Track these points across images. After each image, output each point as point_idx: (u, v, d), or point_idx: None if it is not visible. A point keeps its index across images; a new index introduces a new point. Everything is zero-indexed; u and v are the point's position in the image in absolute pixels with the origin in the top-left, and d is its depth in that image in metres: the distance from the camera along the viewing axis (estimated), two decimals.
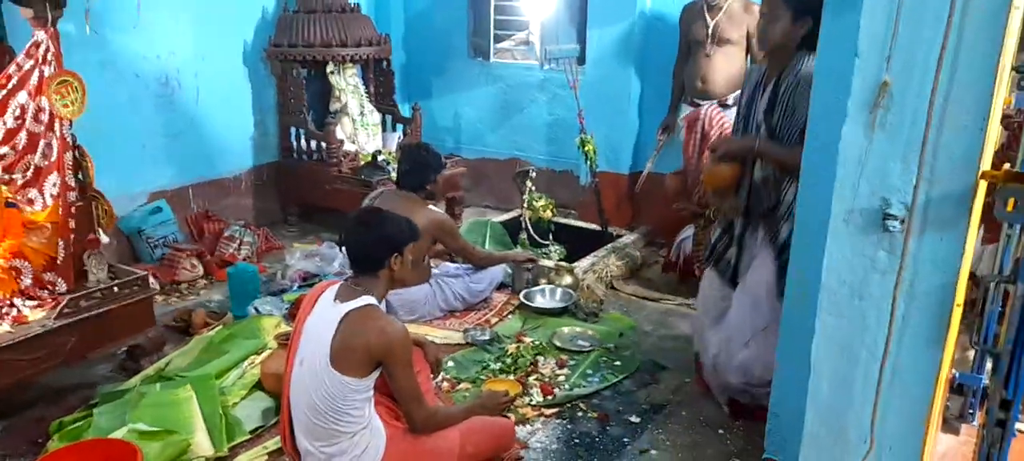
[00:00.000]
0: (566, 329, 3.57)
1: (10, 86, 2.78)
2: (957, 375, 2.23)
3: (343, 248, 2.36)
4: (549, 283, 4.02)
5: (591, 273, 4.16)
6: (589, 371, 3.20)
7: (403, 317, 3.56)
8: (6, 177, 2.81)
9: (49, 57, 2.83)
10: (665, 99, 4.75)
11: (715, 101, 4.30)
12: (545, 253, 4.54)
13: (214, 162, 4.85)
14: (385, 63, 5.40)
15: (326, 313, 2.24)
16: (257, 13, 5.04)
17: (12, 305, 2.79)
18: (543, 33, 5.38)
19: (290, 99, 5.01)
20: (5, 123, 2.80)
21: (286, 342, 2.75)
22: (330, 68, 5.01)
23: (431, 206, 3.60)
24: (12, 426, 2.74)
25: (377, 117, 5.32)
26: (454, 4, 5.71)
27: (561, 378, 3.14)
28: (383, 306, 3.31)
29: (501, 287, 4.03)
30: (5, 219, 2.79)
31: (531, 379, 3.11)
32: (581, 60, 5.17)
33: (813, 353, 1.70)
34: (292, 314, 3.51)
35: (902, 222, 1.55)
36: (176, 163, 4.61)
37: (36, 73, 2.80)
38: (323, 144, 4.88)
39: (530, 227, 4.66)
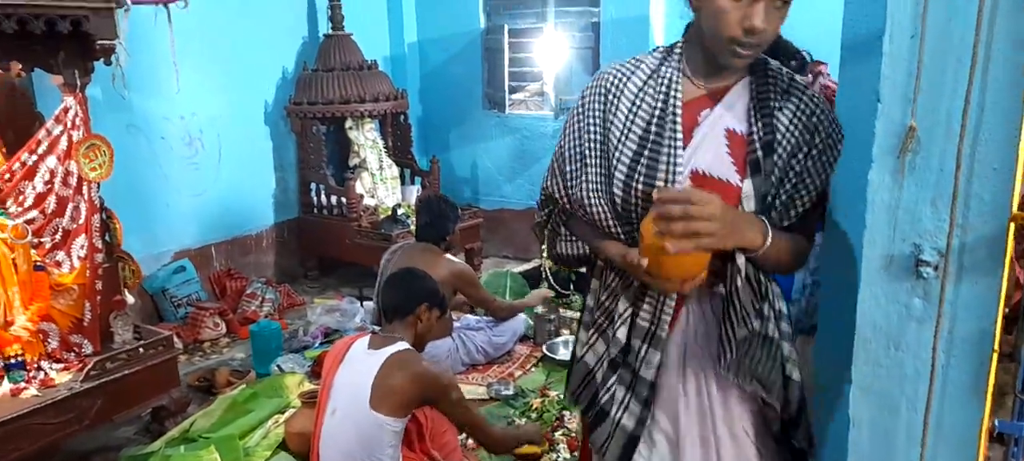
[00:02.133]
0: None
1: (40, 151, 2.84)
2: (997, 423, 2.17)
3: (377, 302, 2.42)
4: (572, 334, 3.98)
5: None
6: None
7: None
8: (35, 240, 2.85)
9: (78, 122, 2.89)
10: None
11: None
12: (566, 303, 4.51)
13: (236, 220, 4.91)
14: (403, 117, 5.48)
15: (362, 361, 2.28)
16: (277, 72, 5.15)
17: (39, 368, 2.80)
18: (556, 83, 5.45)
19: (310, 155, 5.08)
20: (35, 187, 2.85)
21: (310, 401, 2.74)
22: (349, 124, 5.08)
23: (450, 257, 3.61)
24: None
25: (395, 171, 5.37)
26: (469, 58, 5.81)
27: None
28: None
29: (523, 339, 4.01)
30: (34, 283, 2.82)
31: (557, 434, 3.06)
32: None
33: (851, 406, 1.66)
34: (315, 371, 3.50)
35: (936, 268, 1.52)
36: (199, 222, 4.67)
37: (65, 138, 2.86)
38: (343, 199, 4.93)
39: (551, 277, 4.64)
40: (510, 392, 3.41)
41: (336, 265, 5.21)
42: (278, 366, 3.57)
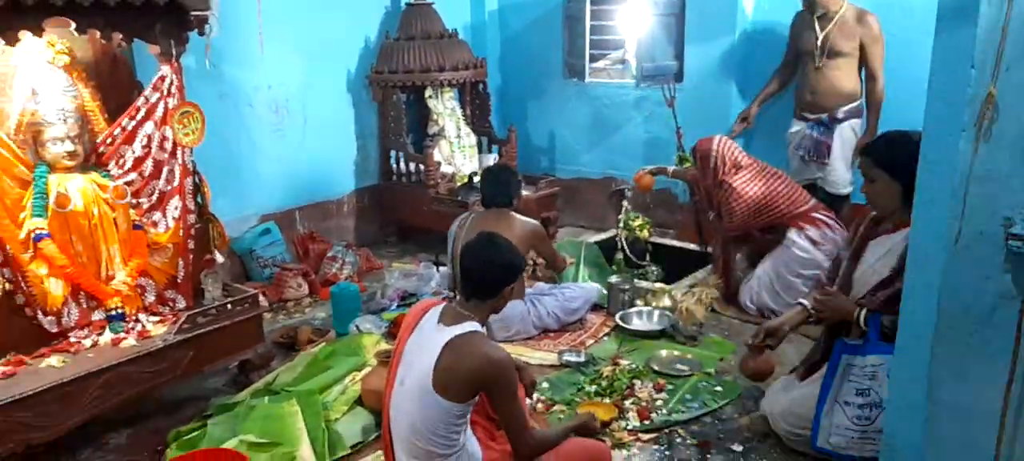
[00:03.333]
0: (664, 352, 3.49)
1: (139, 117, 3.01)
2: None
3: (460, 273, 2.37)
4: (646, 305, 3.95)
5: (690, 295, 4.05)
6: (688, 396, 3.11)
7: (498, 334, 3.60)
8: (133, 201, 3.04)
9: (173, 90, 3.04)
10: (768, 115, 4.60)
11: (825, 114, 4.14)
12: (642, 274, 4.47)
13: (319, 186, 5.08)
14: (481, 86, 5.50)
15: (429, 336, 2.27)
16: (360, 42, 5.26)
17: (137, 320, 3.00)
18: (639, 51, 5.34)
19: (390, 123, 5.18)
20: (134, 151, 3.03)
21: (386, 360, 2.82)
22: (428, 92, 5.14)
23: (521, 216, 3.69)
24: (135, 434, 2.94)
25: (473, 139, 5.41)
26: (549, 26, 5.75)
27: (659, 403, 3.06)
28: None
29: (596, 308, 4.00)
30: (132, 241, 3.02)
31: (627, 403, 3.05)
32: (678, 77, 5.08)
33: (930, 383, 1.59)
34: (391, 332, 3.61)
35: None
36: (285, 187, 4.85)
37: (161, 105, 3.02)
38: (421, 166, 5.01)
39: (626, 247, 4.60)
40: (581, 359, 3.42)
41: (414, 231, 5.32)
42: (356, 326, 3.70)
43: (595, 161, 5.73)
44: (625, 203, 4.61)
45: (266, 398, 2.98)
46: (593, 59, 5.70)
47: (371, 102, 5.28)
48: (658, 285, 4.10)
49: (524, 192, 5.02)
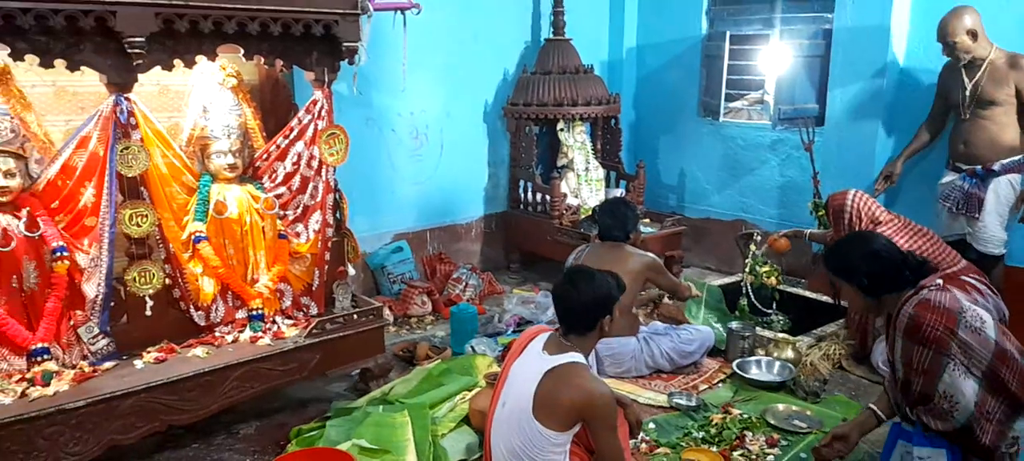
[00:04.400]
0: (781, 406, 3.33)
1: (291, 136, 3.30)
2: None
3: (554, 308, 2.43)
4: (767, 354, 3.79)
5: (816, 349, 3.85)
6: (803, 455, 2.96)
7: (609, 370, 3.59)
8: (281, 213, 3.33)
9: (323, 113, 3.31)
10: (918, 167, 4.32)
11: (979, 166, 3.83)
12: (766, 323, 4.29)
13: (450, 209, 5.30)
14: (614, 121, 5.54)
15: (533, 362, 2.33)
16: (499, 75, 5.47)
17: (274, 322, 3.27)
18: (778, 92, 5.19)
19: (521, 154, 5.33)
20: (285, 167, 3.33)
21: (494, 382, 2.90)
22: (560, 125, 5.25)
23: (637, 249, 3.69)
24: (262, 428, 3.20)
25: (601, 173, 5.45)
26: (687, 64, 5.71)
27: (770, 458, 2.94)
28: (591, 358, 3.39)
29: (713, 353, 3.89)
30: (276, 249, 3.30)
31: (735, 454, 2.95)
32: (818, 121, 4.88)
33: None
34: (503, 356, 3.69)
35: None
36: (418, 208, 5.11)
37: (312, 126, 3.30)
38: (548, 197, 5.11)
39: (751, 293, 4.44)
40: (691, 403, 3.34)
41: (536, 259, 5.42)
42: (472, 347, 3.82)
43: (725, 202, 5.59)
44: (753, 247, 4.46)
45: (381, 407, 3.14)
46: (729, 98, 5.59)
47: (504, 132, 5.46)
48: (782, 335, 3.92)
49: (649, 229, 5.01)
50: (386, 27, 4.23)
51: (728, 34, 5.39)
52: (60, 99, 3.00)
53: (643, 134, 6.09)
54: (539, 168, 5.38)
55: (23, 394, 2.55)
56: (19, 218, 2.67)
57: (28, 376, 2.63)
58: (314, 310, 3.42)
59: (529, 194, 5.33)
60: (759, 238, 4.51)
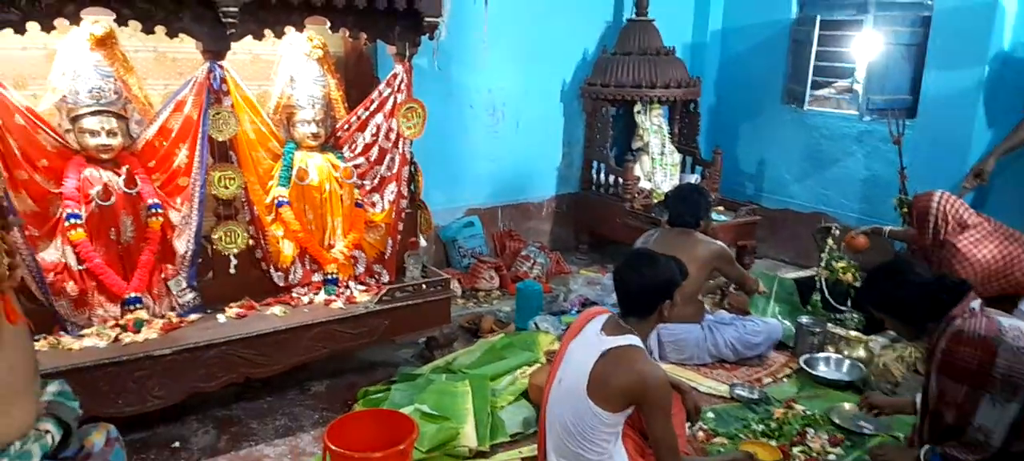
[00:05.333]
0: (848, 406, 3.25)
1: (371, 109, 3.41)
2: None
3: (615, 289, 2.44)
4: (837, 352, 3.70)
5: (890, 350, 3.71)
6: (866, 457, 2.89)
7: (671, 356, 3.59)
8: (358, 182, 3.45)
9: (402, 87, 3.39)
10: (1011, 164, 4.08)
11: None
12: (838, 320, 4.17)
13: (523, 187, 5.35)
14: (693, 105, 5.45)
15: (590, 342, 2.35)
16: (579, 54, 5.45)
17: (347, 287, 3.40)
18: (868, 81, 4.98)
19: (596, 135, 5.31)
20: (364, 138, 3.44)
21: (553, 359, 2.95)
22: (637, 107, 5.20)
23: (706, 237, 3.65)
24: (332, 386, 3.35)
25: (677, 158, 5.38)
26: (773, 48, 5.54)
27: (831, 458, 2.88)
28: (651, 341, 3.39)
29: (780, 347, 3.82)
30: (353, 217, 3.43)
31: (795, 450, 2.90)
32: (910, 113, 4.67)
33: None
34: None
35: None
36: (492, 185, 5.17)
37: (391, 99, 3.39)
38: (620, 180, 5.09)
39: (826, 289, 4.31)
40: (753, 395, 3.30)
41: (606, 241, 5.41)
42: (535, 323, 3.88)
43: (804, 193, 5.42)
44: (830, 242, 4.32)
45: (444, 376, 3.24)
46: (816, 86, 5.39)
47: (581, 113, 5.45)
48: (854, 333, 3.81)
49: (722, 217, 4.93)
50: (467, 3, 4.29)
51: (818, 18, 5.19)
52: (160, 64, 3.18)
53: (723, 119, 5.96)
54: (614, 150, 5.35)
55: (116, 339, 2.76)
56: (119, 175, 2.87)
57: (121, 323, 2.84)
58: (385, 278, 3.54)
59: (602, 176, 5.32)
60: (837, 232, 4.37)
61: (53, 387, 1.02)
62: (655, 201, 4.94)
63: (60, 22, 2.62)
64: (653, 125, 5.27)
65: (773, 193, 5.63)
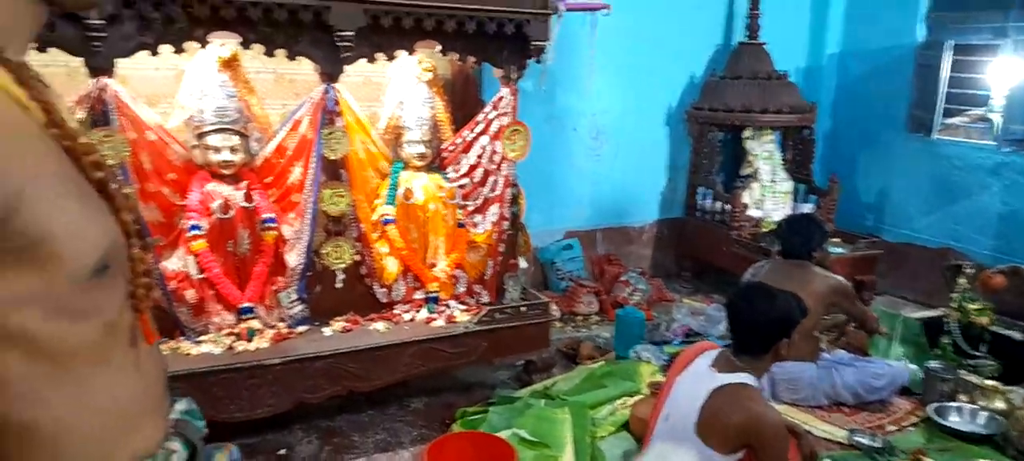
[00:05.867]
0: None
1: (477, 131, 3.43)
2: None
3: (728, 325, 2.33)
4: (971, 402, 3.38)
5: None
6: None
7: (784, 395, 3.39)
8: (462, 203, 3.47)
9: (507, 109, 3.40)
10: None
11: None
12: (972, 367, 3.82)
13: (624, 211, 5.25)
14: (807, 131, 5.20)
15: (699, 378, 2.25)
16: (686, 78, 5.33)
17: (448, 306, 3.42)
18: (1008, 110, 4.60)
19: (703, 160, 5.16)
20: (468, 160, 3.47)
21: (656, 391, 2.84)
22: (747, 133, 5.02)
23: (824, 270, 3.43)
24: (431, 404, 3.36)
25: (788, 185, 5.14)
26: (896, 73, 5.22)
27: None
28: (766, 380, 3.22)
29: (905, 392, 3.53)
30: (455, 236, 3.45)
31: None
32: None
33: None
34: (668, 366, 3.60)
35: None
36: (592, 208, 5.11)
37: (496, 122, 3.40)
38: (727, 206, 4.91)
39: (957, 332, 3.97)
40: (875, 443, 3.05)
41: (710, 270, 5.22)
42: (637, 353, 3.76)
43: (931, 228, 5.05)
44: (963, 280, 3.98)
45: (543, 401, 3.18)
46: (947, 114, 5.03)
47: (686, 137, 5.31)
48: (991, 383, 3.47)
49: (838, 250, 4.66)
50: (574, 27, 4.27)
51: (951, 43, 4.85)
52: (279, 85, 3.32)
53: (840, 147, 5.65)
54: (720, 176, 5.18)
55: (230, 347, 2.87)
56: (239, 190, 3.00)
57: (235, 331, 2.95)
58: (485, 298, 3.53)
59: (708, 202, 5.15)
60: (970, 270, 4.02)
61: (181, 405, 1.03)
62: (764, 230, 4.73)
63: (190, 45, 2.78)
64: (764, 151, 5.06)
65: (895, 225, 5.28)
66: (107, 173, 0.85)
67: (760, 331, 2.24)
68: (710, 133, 5.07)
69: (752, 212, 4.94)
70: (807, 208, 5.07)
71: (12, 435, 0.76)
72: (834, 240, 4.74)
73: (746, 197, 4.94)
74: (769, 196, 5.05)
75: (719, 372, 2.21)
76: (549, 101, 4.70)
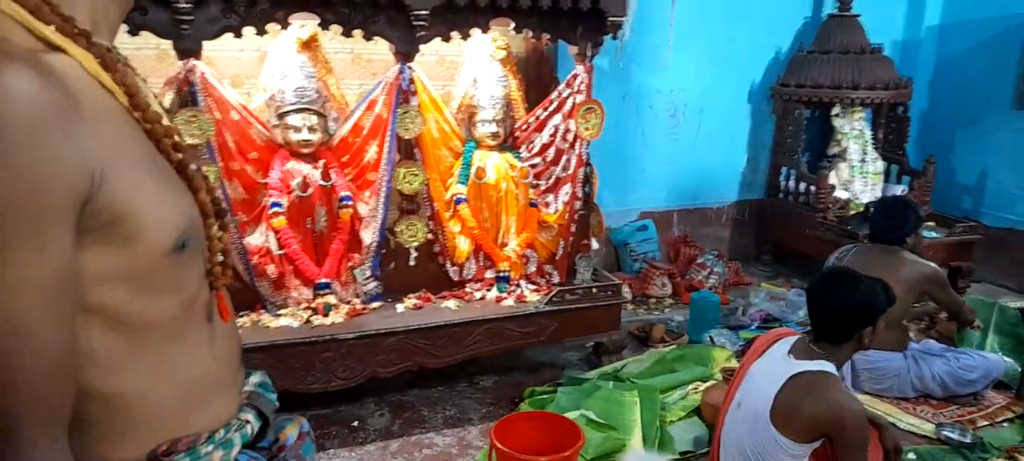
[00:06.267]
0: None
1: (550, 109, 3.40)
2: None
3: (808, 311, 2.24)
4: None
5: None
6: None
7: (866, 385, 3.26)
8: (534, 182, 3.46)
9: (582, 87, 3.35)
10: None
11: None
12: None
13: (701, 192, 5.12)
14: (901, 109, 4.93)
15: (776, 365, 2.19)
16: (771, 53, 5.13)
17: (518, 285, 3.42)
18: None
19: (787, 139, 4.97)
20: (541, 139, 3.44)
21: (730, 377, 2.77)
22: (835, 110, 4.79)
23: (914, 256, 3.23)
24: (500, 382, 3.39)
25: (880, 166, 4.89)
26: (1002, 48, 4.86)
27: None
28: (847, 369, 3.10)
29: (1000, 386, 3.33)
30: (527, 216, 3.45)
31: None
32: None
33: None
34: (743, 352, 3.51)
35: None
36: (668, 188, 5.00)
37: (570, 100, 3.36)
38: (812, 188, 4.71)
39: None
40: (965, 439, 2.89)
41: (791, 254, 5.04)
42: (710, 337, 3.68)
43: None
44: None
45: (611, 383, 3.15)
46: None
47: (770, 115, 5.12)
48: None
49: (933, 234, 4.42)
50: (653, 3, 4.17)
51: None
52: (356, 65, 3.38)
53: (937, 125, 5.33)
54: (806, 156, 4.98)
55: (307, 321, 2.97)
56: (317, 168, 3.08)
57: (312, 305, 3.05)
58: (556, 278, 3.52)
59: (791, 182, 4.95)
60: None
61: (255, 378, 1.08)
62: (852, 212, 4.52)
63: (271, 26, 2.86)
64: (853, 130, 4.83)
65: (996, 209, 4.94)
66: (186, 155, 0.89)
67: (842, 318, 2.15)
68: (795, 110, 4.86)
69: (839, 193, 4.73)
70: (899, 190, 4.82)
71: (95, 401, 0.81)
72: (929, 223, 4.49)
73: (833, 178, 4.73)
74: (858, 177, 4.82)
75: (797, 359, 2.14)
76: (625, 79, 4.61)
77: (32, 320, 0.70)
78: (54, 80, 0.71)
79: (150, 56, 2.97)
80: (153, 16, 2.62)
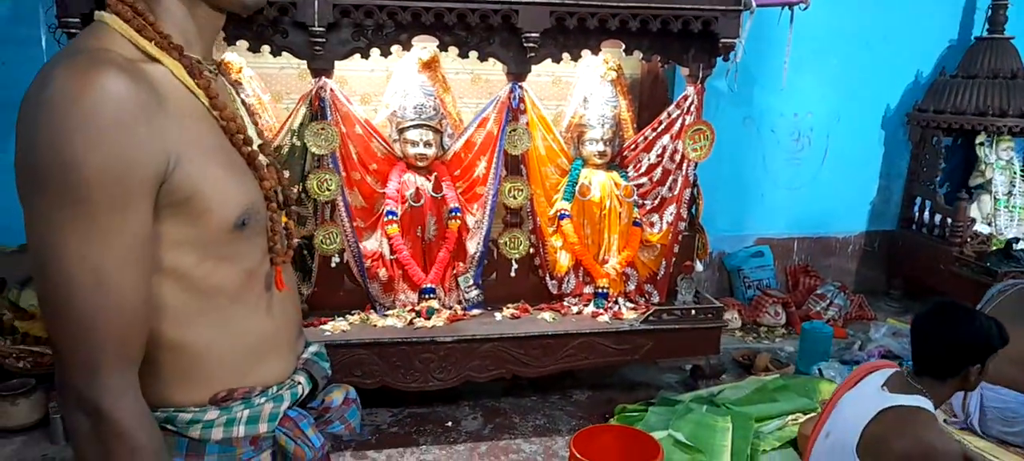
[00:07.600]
0: None
1: (659, 129, 3.43)
2: None
3: (911, 341, 2.14)
4: None
5: None
6: None
7: (993, 429, 3.00)
8: (639, 201, 3.50)
9: (692, 109, 3.35)
10: None
11: None
12: None
13: (826, 221, 4.90)
14: None
15: (868, 396, 2.11)
16: (909, 77, 4.85)
17: (616, 302, 3.46)
18: None
19: (923, 168, 4.67)
20: (649, 159, 3.48)
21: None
22: (980, 138, 4.46)
23: None
24: (593, 398, 3.44)
25: None
26: None
27: None
28: (971, 405, 2.90)
29: None
30: (629, 234, 3.49)
31: None
32: None
33: None
34: None
35: None
36: (789, 215, 4.83)
37: (680, 121, 3.37)
38: (949, 220, 4.39)
39: None
40: None
41: (924, 290, 4.70)
42: (819, 369, 3.53)
43: None
44: None
45: (705, 407, 3.11)
46: None
47: (906, 142, 4.83)
48: None
49: None
50: (769, 22, 4.07)
51: None
52: (475, 84, 3.57)
53: None
54: (944, 186, 4.64)
55: (411, 323, 3.17)
56: (429, 180, 3.29)
57: (416, 309, 3.25)
58: (656, 298, 3.53)
59: (926, 214, 4.64)
60: None
61: (313, 348, 1.24)
62: (994, 249, 4.18)
63: (396, 48, 3.10)
64: (1000, 160, 4.47)
65: None
66: (254, 149, 1.07)
67: (953, 352, 2.03)
68: (934, 138, 4.56)
69: (980, 227, 4.39)
70: None
71: (165, 349, 0.99)
72: None
73: (974, 210, 4.40)
74: (1004, 211, 4.45)
75: (891, 392, 2.05)
76: (746, 101, 4.53)
77: (116, 275, 0.88)
78: (143, 83, 0.90)
79: (292, 74, 3.31)
80: (292, 38, 2.93)
